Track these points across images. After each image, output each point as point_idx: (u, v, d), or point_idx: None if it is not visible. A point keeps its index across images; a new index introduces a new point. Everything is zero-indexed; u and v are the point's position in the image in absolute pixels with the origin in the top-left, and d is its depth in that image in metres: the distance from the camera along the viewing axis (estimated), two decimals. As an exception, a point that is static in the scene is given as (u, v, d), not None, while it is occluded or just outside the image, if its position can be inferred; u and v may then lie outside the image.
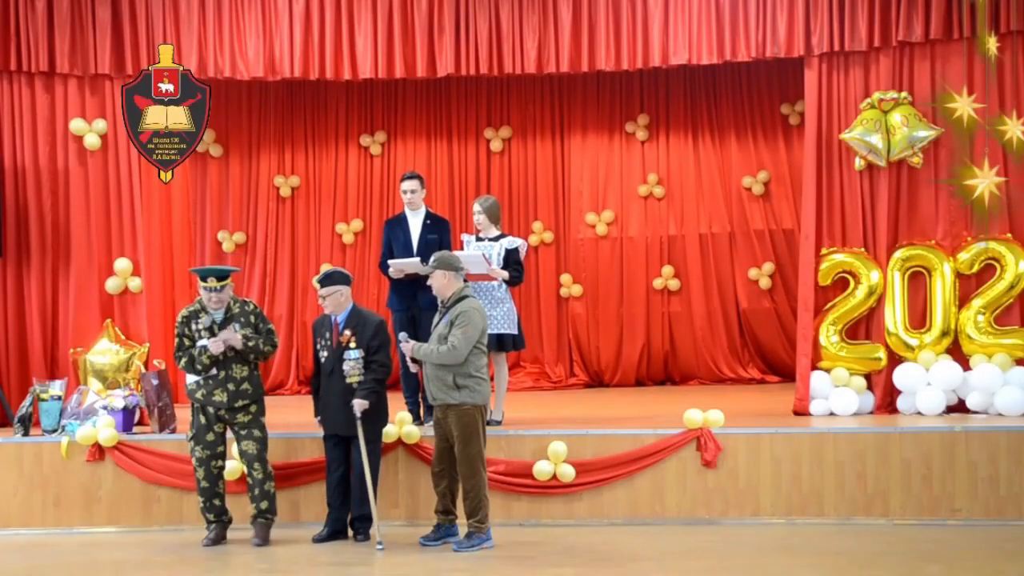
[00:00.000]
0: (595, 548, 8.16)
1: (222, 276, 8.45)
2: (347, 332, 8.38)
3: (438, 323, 8.20)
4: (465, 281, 9.34)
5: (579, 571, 7.54)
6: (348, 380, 8.34)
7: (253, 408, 8.43)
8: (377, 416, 8.44)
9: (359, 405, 8.24)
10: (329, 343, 8.44)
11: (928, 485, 8.85)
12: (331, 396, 8.44)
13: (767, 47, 10.14)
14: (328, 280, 8.45)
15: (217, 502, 8.47)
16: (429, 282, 8.28)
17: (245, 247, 13.04)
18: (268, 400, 8.65)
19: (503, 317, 9.40)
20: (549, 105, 13.15)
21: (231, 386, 8.37)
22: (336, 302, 8.43)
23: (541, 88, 13.07)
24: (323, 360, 8.50)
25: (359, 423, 8.26)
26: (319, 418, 8.60)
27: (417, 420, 9.44)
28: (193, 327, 8.43)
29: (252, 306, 8.57)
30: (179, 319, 8.54)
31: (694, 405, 9.21)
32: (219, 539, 8.45)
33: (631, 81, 12.99)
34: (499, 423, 9.40)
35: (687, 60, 10.33)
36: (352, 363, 8.34)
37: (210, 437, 8.39)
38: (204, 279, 8.39)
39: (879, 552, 7.97)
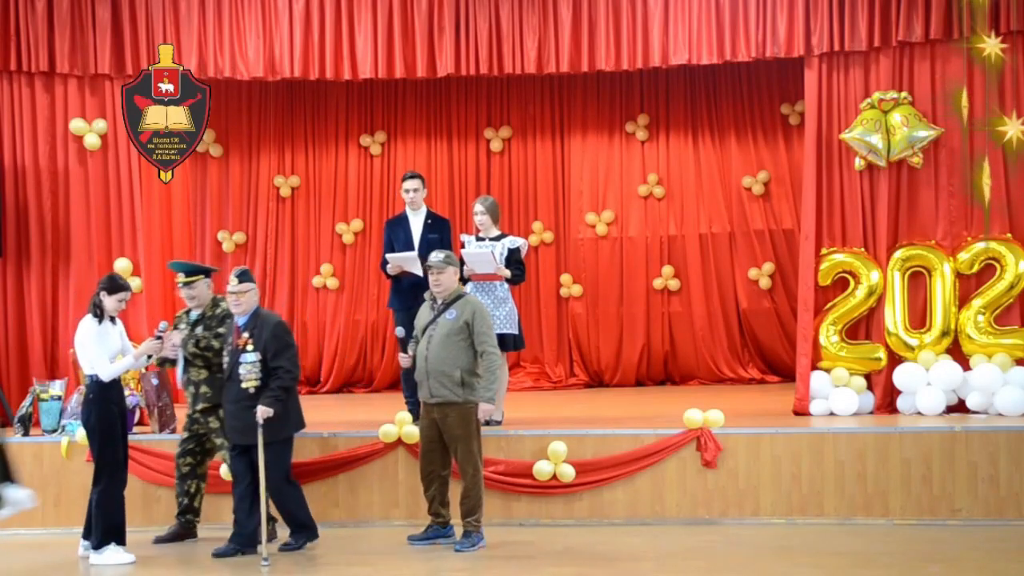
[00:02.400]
0: (595, 548, 8.16)
1: (188, 272, 8.45)
2: (245, 334, 8.04)
3: (435, 319, 8.11)
4: (465, 281, 9.38)
5: (579, 571, 7.54)
6: (244, 384, 7.97)
7: (222, 412, 8.32)
8: (283, 424, 8.05)
9: (262, 412, 7.85)
10: (232, 347, 8.13)
11: (928, 485, 8.85)
12: (228, 403, 8.13)
13: (767, 47, 10.14)
14: (245, 277, 8.15)
15: (182, 499, 8.53)
16: (439, 277, 8.10)
17: (245, 247, 13.04)
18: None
19: (505, 317, 9.40)
20: (549, 105, 13.14)
21: (191, 388, 8.47)
22: (249, 301, 8.11)
23: (541, 88, 13.06)
24: (225, 365, 8.17)
25: (260, 431, 7.88)
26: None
27: (417, 420, 9.43)
28: (180, 325, 8.54)
29: (220, 309, 8.45)
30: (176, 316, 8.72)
31: (694, 405, 9.21)
32: (172, 537, 8.49)
33: (631, 81, 12.98)
34: (499, 423, 9.39)
35: (687, 60, 10.34)
36: (248, 366, 7.97)
37: (184, 434, 8.56)
38: (176, 274, 8.51)
39: (879, 552, 7.97)
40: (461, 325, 8.03)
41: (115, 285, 8.10)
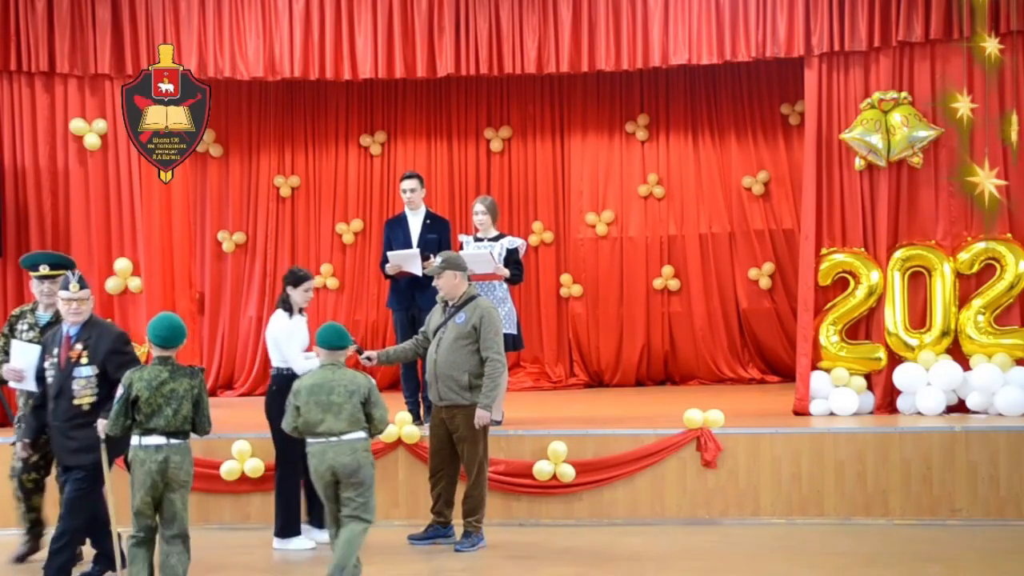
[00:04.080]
0: (595, 548, 8.17)
1: (56, 264, 7.75)
2: (78, 346, 7.15)
3: (445, 322, 8.14)
4: (469, 281, 9.37)
5: (579, 571, 7.55)
6: (77, 401, 7.09)
7: None
8: (117, 444, 7.09)
9: (103, 425, 6.93)
10: (57, 361, 7.19)
11: (928, 485, 8.86)
12: (58, 422, 7.16)
13: (767, 47, 10.14)
14: (85, 282, 7.26)
15: (30, 515, 7.99)
16: (436, 282, 8.18)
17: (245, 247, 13.03)
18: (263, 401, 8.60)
19: (504, 317, 9.36)
20: (549, 105, 13.13)
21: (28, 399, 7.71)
22: (89, 310, 7.25)
23: (541, 88, 13.06)
24: (49, 381, 7.22)
25: (103, 447, 7.05)
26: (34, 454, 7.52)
27: (417, 420, 9.44)
28: (18, 327, 7.88)
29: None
30: (9, 316, 8.08)
31: (694, 405, 9.22)
32: (30, 552, 7.98)
33: (631, 81, 12.97)
34: (499, 423, 9.39)
35: (687, 60, 10.34)
36: (83, 381, 7.09)
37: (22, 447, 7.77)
38: (35, 268, 7.76)
39: (879, 552, 7.97)
40: (469, 329, 8.04)
41: (297, 277, 8.21)
